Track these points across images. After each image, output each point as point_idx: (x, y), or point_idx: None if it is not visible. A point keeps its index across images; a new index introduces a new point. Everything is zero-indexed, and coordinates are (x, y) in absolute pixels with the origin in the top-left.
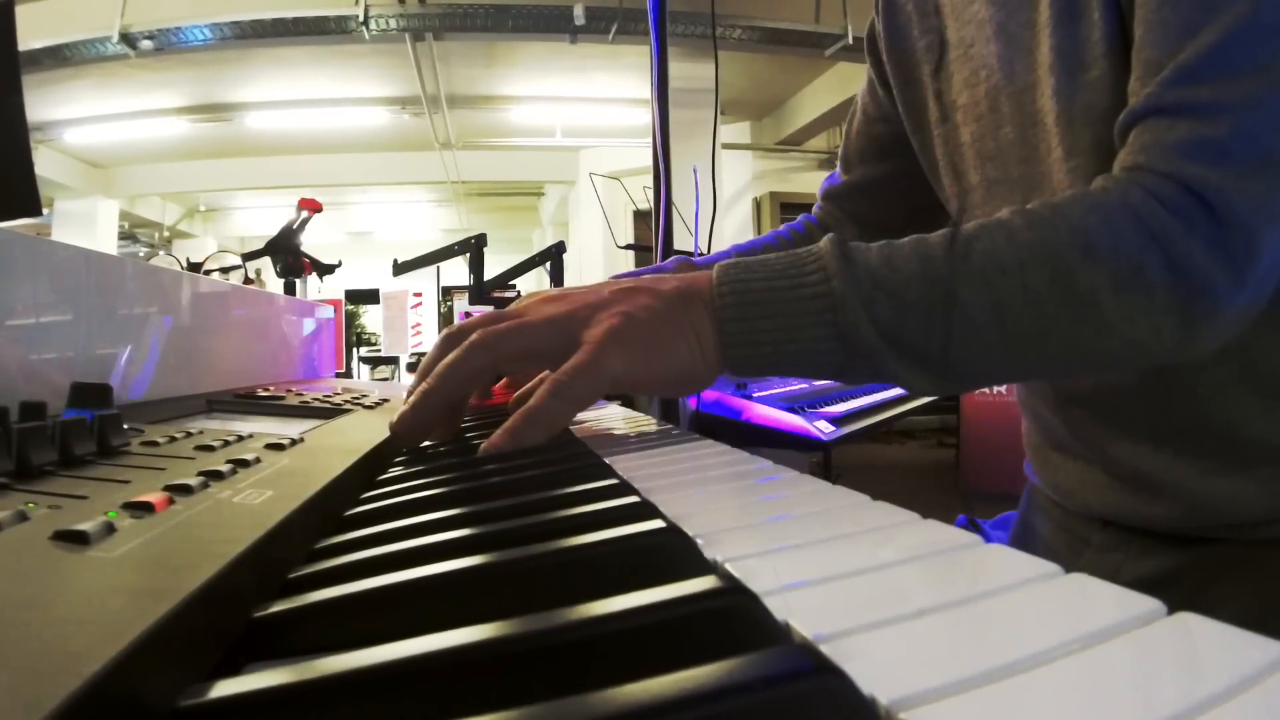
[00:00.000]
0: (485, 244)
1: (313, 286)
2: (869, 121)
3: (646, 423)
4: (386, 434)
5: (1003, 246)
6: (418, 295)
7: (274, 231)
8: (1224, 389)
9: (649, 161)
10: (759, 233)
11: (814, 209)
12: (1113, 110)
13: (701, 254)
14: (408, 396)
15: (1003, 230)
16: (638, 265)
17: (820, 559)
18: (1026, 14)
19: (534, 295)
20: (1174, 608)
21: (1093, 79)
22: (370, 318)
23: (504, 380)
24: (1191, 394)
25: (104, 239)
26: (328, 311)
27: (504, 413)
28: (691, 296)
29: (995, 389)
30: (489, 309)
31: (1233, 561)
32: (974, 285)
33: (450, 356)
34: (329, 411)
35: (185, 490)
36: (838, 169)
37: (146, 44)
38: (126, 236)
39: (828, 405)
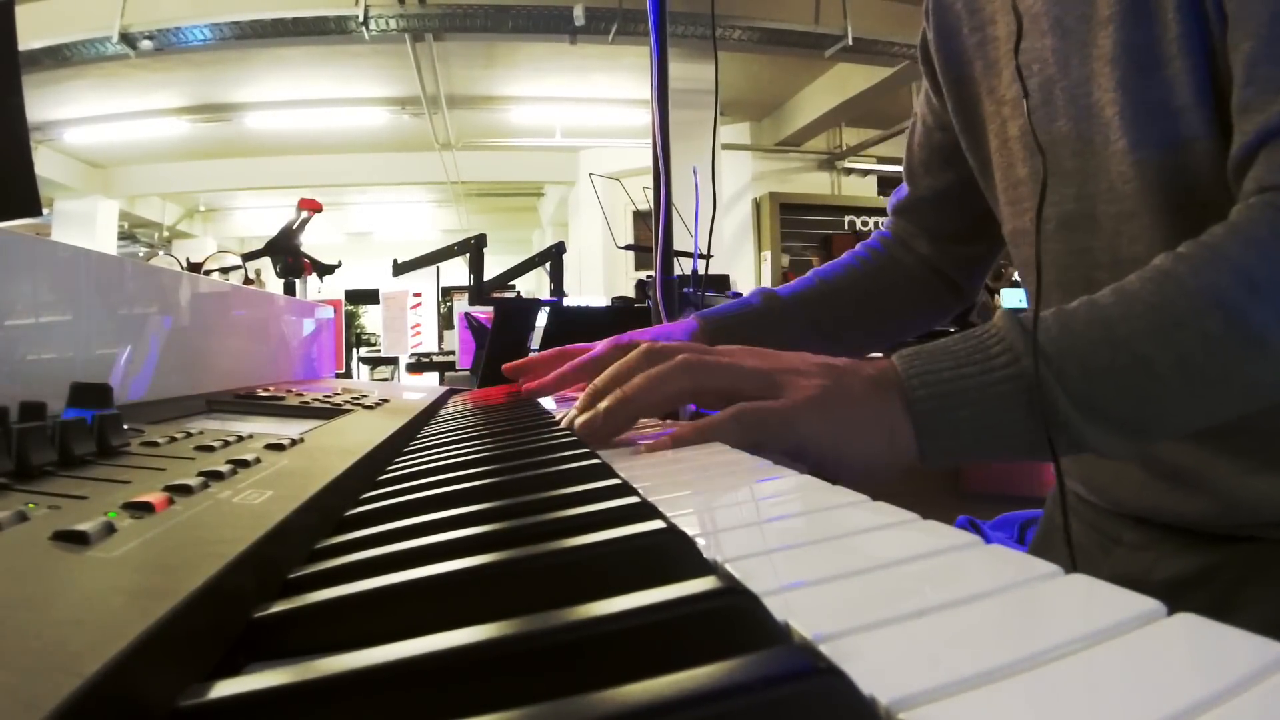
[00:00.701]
0: (485, 244)
1: (312, 287)
2: (929, 131)
3: (647, 423)
4: (386, 435)
5: (1174, 298)
6: (417, 296)
7: (274, 232)
8: None
9: (649, 162)
10: (758, 232)
11: (885, 224)
12: (1188, 107)
13: (775, 283)
14: (588, 395)
15: (1170, 280)
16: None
17: (820, 559)
18: (1082, 8)
19: (735, 347)
20: (1205, 607)
21: (1167, 76)
22: (370, 318)
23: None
24: None
25: (104, 239)
26: (327, 312)
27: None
28: (885, 385)
29: None
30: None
31: (1266, 562)
32: (1156, 343)
33: (654, 371)
34: (329, 412)
35: (185, 490)
36: (904, 184)
37: (146, 44)
38: (126, 237)
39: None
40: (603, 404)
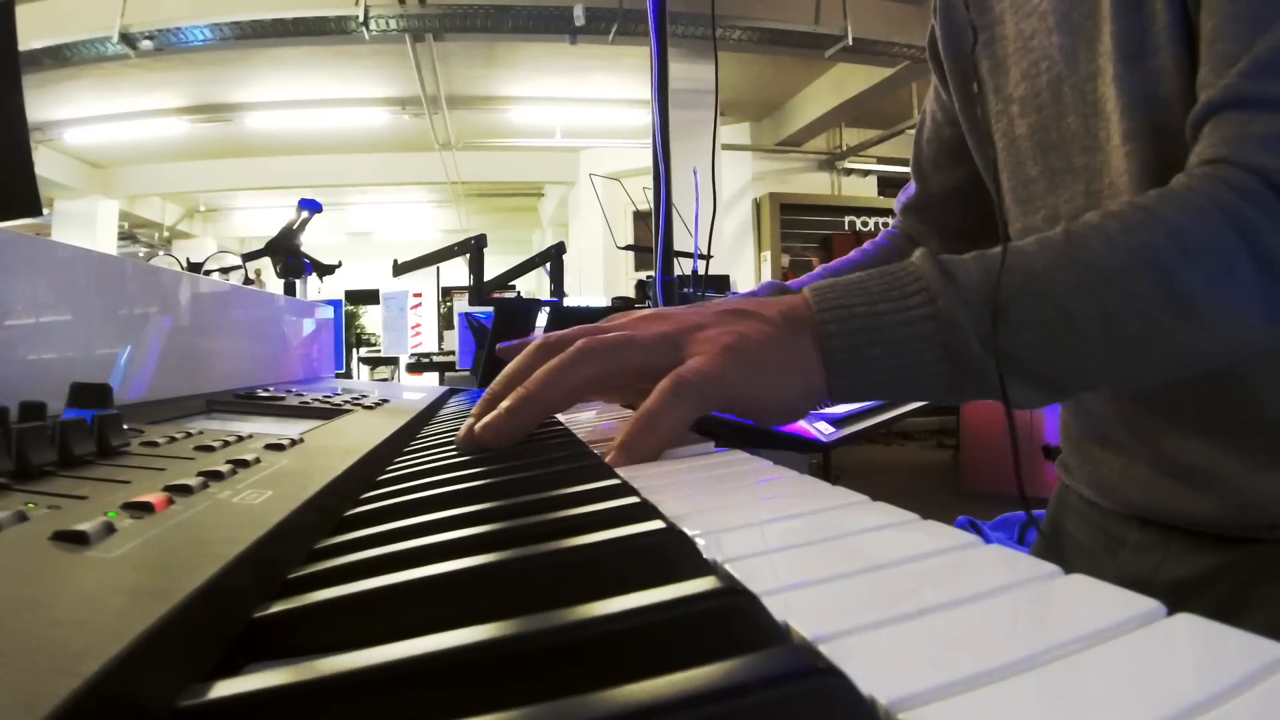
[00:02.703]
0: (485, 245)
1: (313, 287)
2: (938, 126)
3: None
4: (386, 435)
5: (1102, 253)
6: (417, 296)
7: (274, 232)
8: (1273, 380)
9: (649, 162)
10: (758, 233)
11: (893, 224)
12: (1174, 97)
13: (787, 280)
14: (485, 401)
15: (1099, 235)
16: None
17: (820, 559)
18: (1089, 4)
19: (629, 313)
20: (1212, 609)
21: (1154, 66)
22: (370, 318)
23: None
24: (1243, 384)
25: (104, 239)
26: (327, 312)
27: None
28: (794, 322)
29: None
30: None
31: (1273, 563)
32: (1080, 295)
33: (553, 363)
34: (329, 412)
35: (185, 490)
36: (911, 183)
37: (146, 44)
38: (126, 237)
39: (827, 407)
40: (504, 404)
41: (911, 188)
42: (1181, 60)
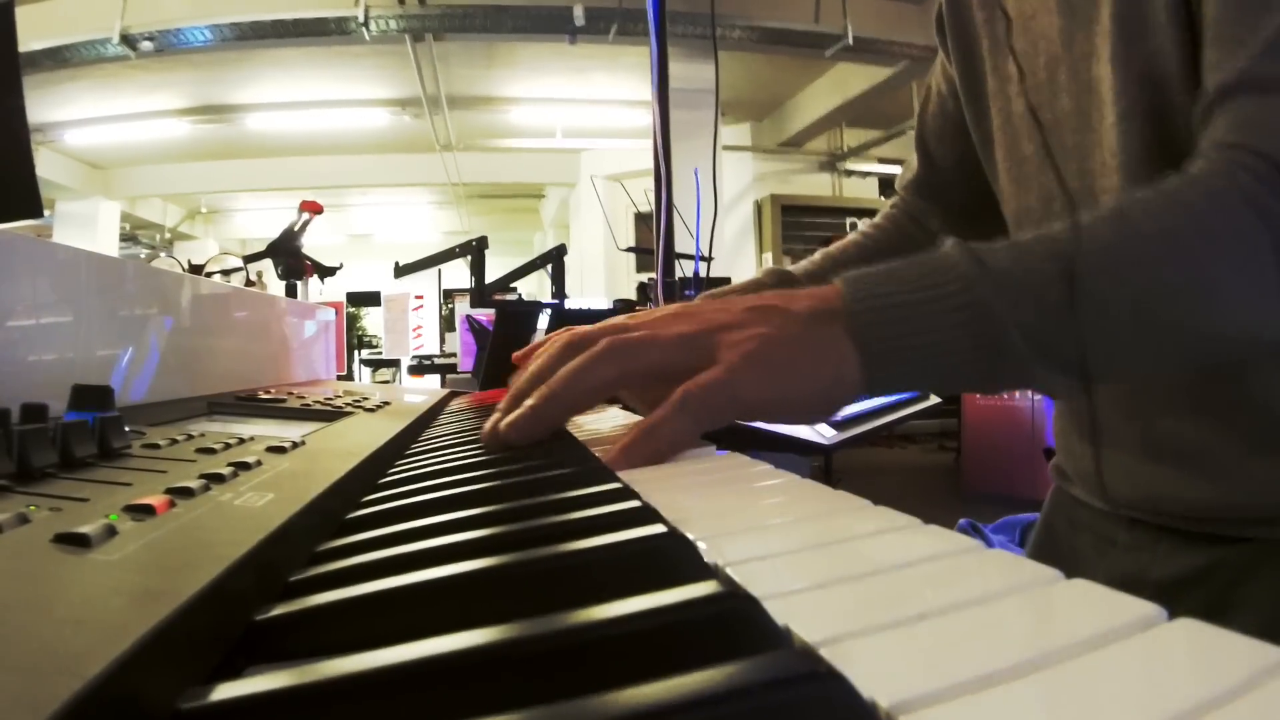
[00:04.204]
0: (486, 246)
1: (314, 289)
2: (943, 99)
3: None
4: (388, 437)
5: (1130, 239)
6: (419, 298)
7: (275, 234)
8: (1272, 362)
9: (650, 163)
10: (759, 234)
11: (891, 205)
12: (1171, 76)
13: (793, 269)
14: (510, 397)
15: (1125, 224)
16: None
17: (821, 563)
18: None
19: (654, 310)
20: (1202, 607)
21: (1154, 48)
22: (371, 320)
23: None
24: (1234, 365)
25: (105, 240)
26: (329, 314)
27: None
28: (824, 316)
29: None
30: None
31: (1262, 561)
32: (1112, 281)
33: (575, 363)
34: (330, 414)
35: (186, 493)
36: (915, 160)
37: (147, 45)
38: (127, 238)
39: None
40: (529, 401)
41: (914, 165)
42: (1181, 40)
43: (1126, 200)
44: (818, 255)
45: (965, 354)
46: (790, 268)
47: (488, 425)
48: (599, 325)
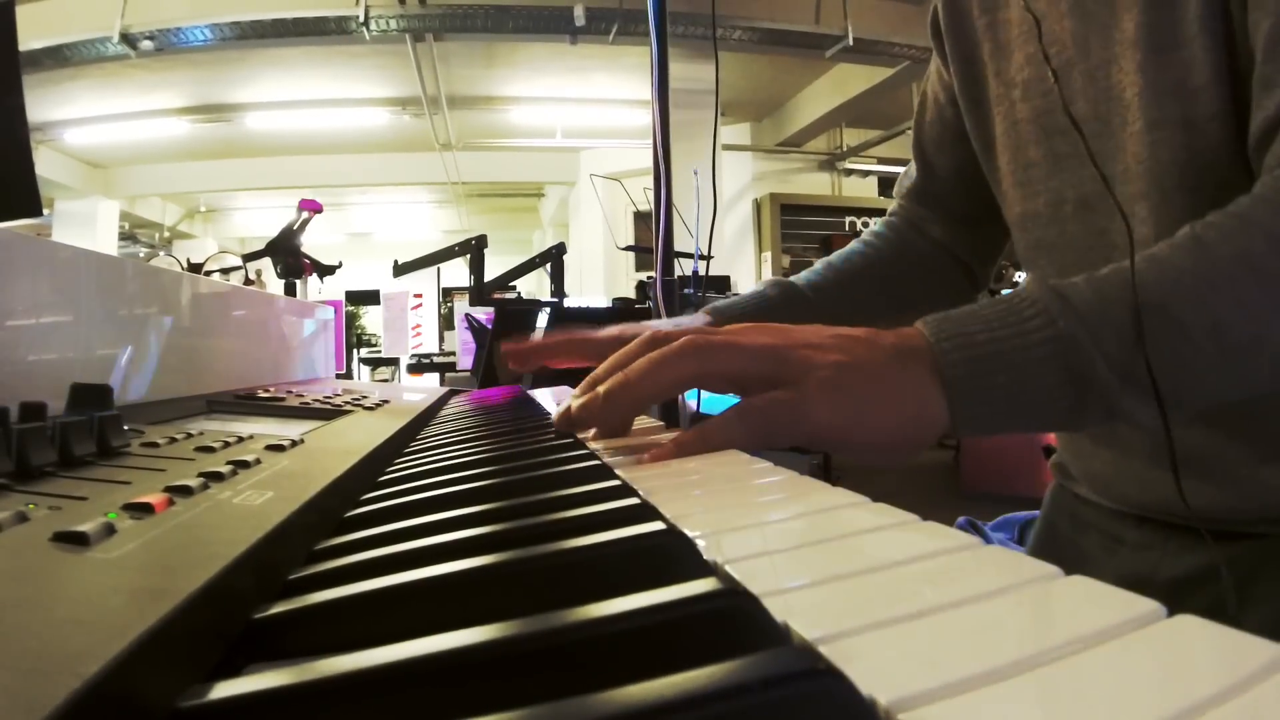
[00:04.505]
0: (486, 245)
1: (313, 287)
2: (940, 107)
3: (647, 424)
4: (387, 436)
5: (1206, 263)
6: (418, 296)
7: (274, 232)
8: None
9: (649, 163)
10: (759, 233)
11: (891, 213)
12: (1203, 87)
13: (793, 278)
14: (586, 383)
15: (1201, 247)
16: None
17: (820, 560)
18: None
19: (743, 325)
20: (1212, 606)
21: (1185, 57)
22: (370, 319)
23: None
24: None
25: (104, 239)
26: (328, 312)
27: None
28: (909, 354)
29: None
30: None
31: (1271, 558)
32: (1191, 306)
33: (656, 355)
34: (329, 413)
35: (185, 491)
36: (913, 168)
37: (147, 44)
38: (127, 237)
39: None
40: (602, 388)
41: (912, 172)
42: (1213, 50)
43: (1199, 225)
44: (819, 265)
45: (1052, 389)
46: (792, 278)
47: (559, 408)
48: (683, 327)
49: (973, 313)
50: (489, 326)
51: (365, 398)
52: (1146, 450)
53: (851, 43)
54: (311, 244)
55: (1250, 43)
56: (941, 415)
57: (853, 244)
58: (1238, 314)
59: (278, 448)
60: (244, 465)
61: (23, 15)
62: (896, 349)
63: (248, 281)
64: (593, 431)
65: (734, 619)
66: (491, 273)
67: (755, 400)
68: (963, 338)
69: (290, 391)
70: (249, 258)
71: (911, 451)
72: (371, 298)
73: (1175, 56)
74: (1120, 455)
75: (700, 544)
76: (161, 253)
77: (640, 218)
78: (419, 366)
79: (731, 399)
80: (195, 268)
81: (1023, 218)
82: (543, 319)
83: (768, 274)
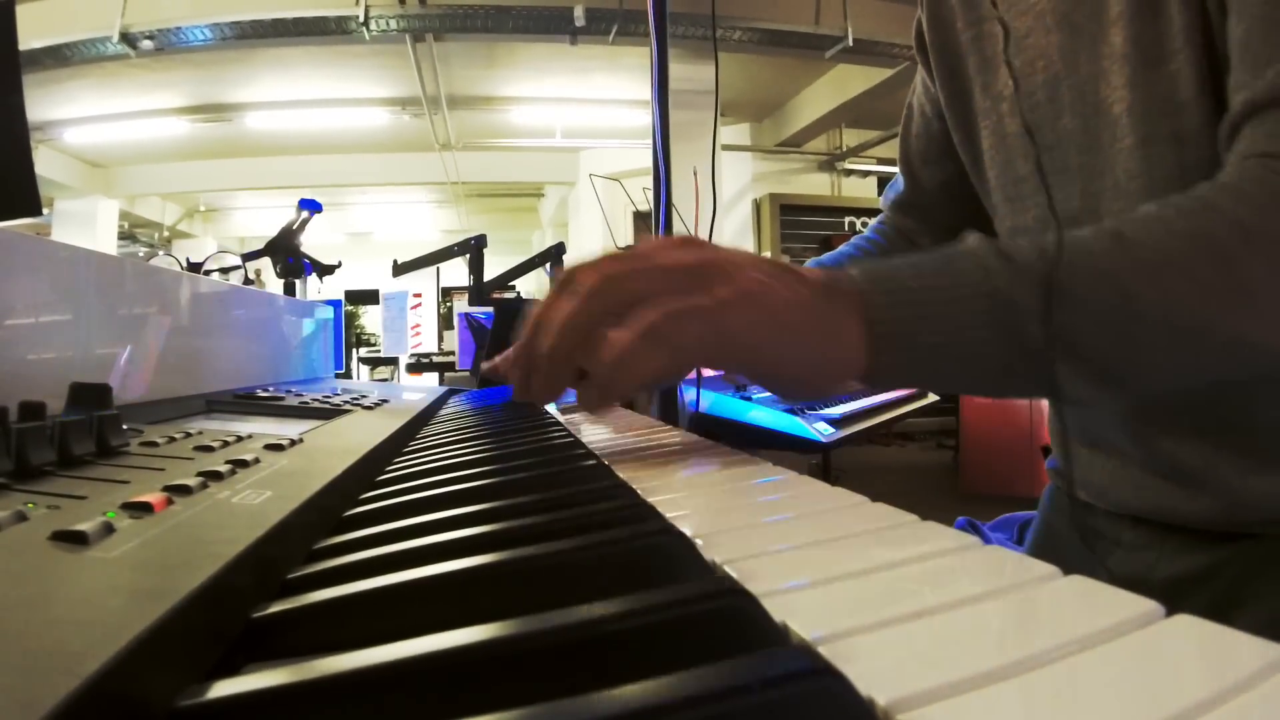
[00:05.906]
0: (485, 245)
1: (312, 287)
2: (927, 120)
3: (646, 424)
4: (385, 435)
5: (1162, 238)
6: (417, 296)
7: (274, 232)
8: (1270, 383)
9: (649, 163)
10: (758, 235)
11: (877, 223)
12: (1190, 101)
13: None
14: (519, 354)
15: (1157, 223)
16: None
17: (819, 560)
18: (1092, 6)
19: (661, 240)
20: (1208, 605)
21: (1172, 71)
22: (370, 318)
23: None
24: (1237, 387)
25: (104, 239)
26: (327, 312)
27: (499, 412)
28: (837, 292)
29: None
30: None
31: (1268, 558)
32: (1142, 279)
33: (567, 310)
34: (328, 412)
35: (184, 491)
36: (900, 180)
37: (147, 44)
38: (126, 236)
39: (827, 407)
40: (523, 362)
41: (900, 183)
42: (1199, 63)
43: (1157, 204)
44: (809, 264)
45: (980, 345)
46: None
47: (519, 383)
48: (593, 260)
49: (908, 261)
50: (488, 326)
51: (364, 397)
52: (1142, 459)
53: (851, 43)
54: (311, 244)
55: (1227, 49)
56: (858, 358)
57: (845, 246)
58: (1190, 291)
59: (276, 447)
60: (243, 464)
61: (23, 15)
62: (824, 285)
63: (247, 281)
64: (592, 431)
65: (733, 619)
66: (491, 272)
67: (663, 313)
68: (893, 282)
69: (289, 391)
70: (248, 257)
71: (818, 390)
72: (371, 297)
73: (1164, 70)
74: (1118, 464)
75: (699, 543)
76: (161, 252)
77: (640, 218)
78: (418, 366)
79: (732, 399)
80: (195, 267)
81: (1012, 231)
82: None
83: None
